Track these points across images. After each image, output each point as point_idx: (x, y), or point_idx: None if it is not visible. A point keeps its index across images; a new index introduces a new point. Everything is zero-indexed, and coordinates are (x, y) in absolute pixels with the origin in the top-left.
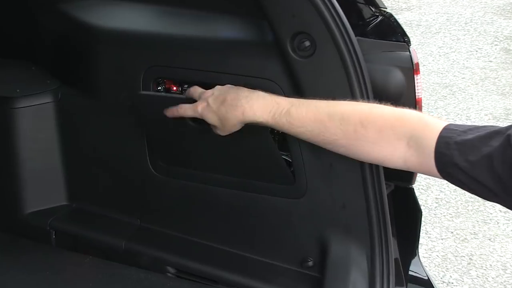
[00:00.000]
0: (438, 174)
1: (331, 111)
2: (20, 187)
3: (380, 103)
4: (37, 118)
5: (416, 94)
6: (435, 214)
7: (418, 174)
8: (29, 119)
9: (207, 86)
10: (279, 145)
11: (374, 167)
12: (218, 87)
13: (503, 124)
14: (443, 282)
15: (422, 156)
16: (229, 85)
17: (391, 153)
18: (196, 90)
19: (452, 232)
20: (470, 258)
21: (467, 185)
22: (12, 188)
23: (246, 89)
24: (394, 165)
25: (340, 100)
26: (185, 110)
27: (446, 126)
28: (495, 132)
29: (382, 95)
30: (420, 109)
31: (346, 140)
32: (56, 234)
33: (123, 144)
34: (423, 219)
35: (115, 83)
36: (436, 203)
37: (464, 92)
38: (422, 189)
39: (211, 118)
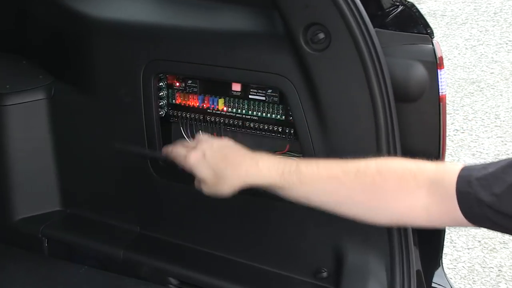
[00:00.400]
0: (465, 220)
1: (345, 166)
2: (9, 191)
3: (401, 102)
4: (28, 116)
5: (440, 91)
6: None
7: None
8: (19, 117)
9: (213, 82)
10: (291, 146)
11: None
12: (217, 140)
13: None
14: None
15: (445, 202)
16: (230, 141)
17: (412, 204)
18: (181, 152)
19: (479, 241)
20: (499, 270)
21: (498, 224)
22: (1, 193)
23: (249, 150)
24: (416, 218)
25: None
26: (176, 154)
27: (463, 166)
28: None
29: (403, 92)
30: (444, 107)
31: (364, 195)
32: (49, 242)
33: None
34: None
35: (113, 79)
36: None
37: (493, 88)
38: None
39: (204, 173)
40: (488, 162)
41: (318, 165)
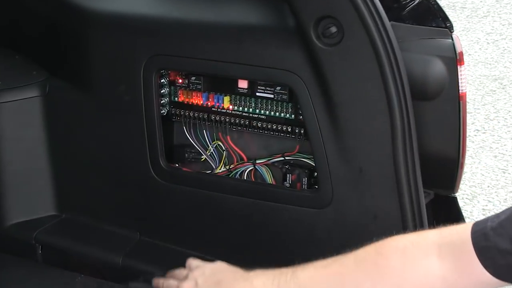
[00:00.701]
0: (490, 278)
1: (342, 259)
2: (1, 195)
3: (418, 100)
4: (21, 115)
5: (460, 88)
6: None
7: (462, 181)
8: (12, 115)
9: (218, 78)
10: (301, 147)
11: (410, 171)
12: (208, 265)
13: None
14: None
15: (463, 263)
16: (222, 264)
17: (424, 275)
18: (172, 284)
19: None
20: None
21: None
22: None
23: (241, 270)
24: None
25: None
26: (168, 286)
27: (474, 223)
28: None
29: (420, 90)
30: (464, 105)
31: (370, 281)
32: (43, 248)
33: (121, 144)
34: None
35: (112, 75)
36: (483, 214)
37: None
38: (467, 198)
39: None
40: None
41: (315, 266)
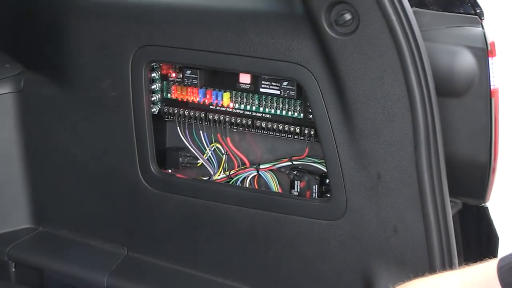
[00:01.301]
0: None
1: None
2: None
3: (444, 97)
4: None
5: (491, 84)
6: None
7: (494, 188)
8: None
9: (217, 72)
10: (311, 150)
11: (435, 178)
12: None
13: None
14: None
15: None
16: None
17: None
18: None
19: None
20: None
21: None
22: None
23: None
24: None
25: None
26: None
27: (499, 259)
28: None
29: (446, 85)
30: (496, 102)
31: None
32: (16, 266)
33: (106, 147)
34: (500, 246)
35: (95, 68)
36: None
37: None
38: (499, 208)
39: None
40: None
41: None
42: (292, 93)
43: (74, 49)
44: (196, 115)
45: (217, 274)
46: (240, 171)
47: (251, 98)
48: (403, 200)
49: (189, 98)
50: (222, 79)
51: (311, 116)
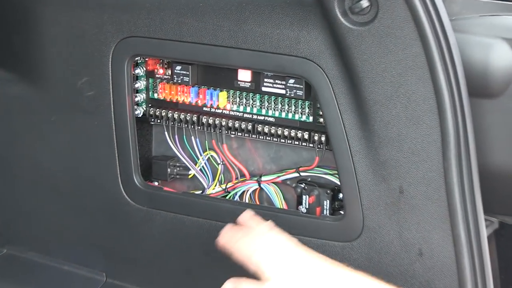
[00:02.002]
0: None
1: None
2: None
3: (477, 97)
4: None
5: None
6: None
7: None
8: None
9: (212, 68)
10: (321, 159)
11: (467, 193)
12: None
13: None
14: None
15: None
16: None
17: None
18: None
19: None
20: None
21: None
22: None
23: None
24: None
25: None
26: None
27: None
28: None
29: (480, 84)
30: None
31: None
32: None
33: (82, 155)
34: None
35: (70, 64)
36: None
37: None
38: None
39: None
40: None
41: None
42: (300, 92)
43: (45, 42)
44: (187, 118)
45: None
46: (239, 183)
47: (252, 99)
48: (430, 218)
49: (179, 99)
50: (218, 77)
51: (321, 119)
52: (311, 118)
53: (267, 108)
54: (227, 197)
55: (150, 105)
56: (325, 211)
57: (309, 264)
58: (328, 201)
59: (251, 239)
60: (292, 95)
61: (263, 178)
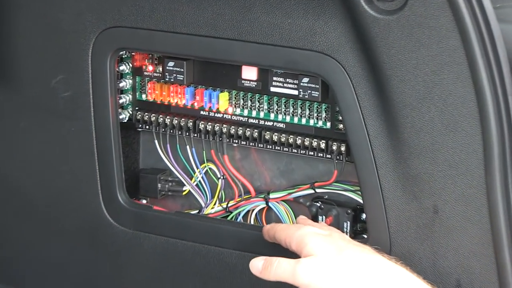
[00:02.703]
0: None
1: None
2: None
3: None
4: None
5: None
6: None
7: None
8: None
9: (210, 64)
10: (341, 173)
11: None
12: None
13: None
14: None
15: None
16: None
17: None
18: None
19: None
20: None
21: None
22: None
23: None
24: None
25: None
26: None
27: None
28: None
29: None
30: None
31: None
32: None
33: (57, 169)
34: None
35: (43, 60)
36: None
37: None
38: None
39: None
40: None
41: None
42: (315, 93)
43: (12, 33)
44: (182, 124)
45: None
46: (243, 202)
47: (258, 101)
48: (470, 244)
49: (171, 101)
50: (218, 75)
51: (341, 125)
52: (328, 124)
53: (277, 112)
54: (229, 218)
55: (137, 108)
56: (345, 234)
57: (355, 249)
58: (348, 222)
59: (299, 226)
60: (306, 96)
61: (271, 196)
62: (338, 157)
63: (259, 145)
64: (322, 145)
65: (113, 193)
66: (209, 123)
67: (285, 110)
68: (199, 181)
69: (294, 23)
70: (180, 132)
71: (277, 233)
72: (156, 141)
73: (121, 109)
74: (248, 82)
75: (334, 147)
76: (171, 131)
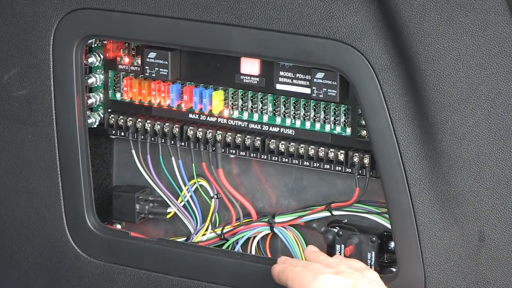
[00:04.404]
0: None
1: None
2: None
3: None
4: None
5: None
6: None
7: None
8: None
9: (201, 55)
10: (364, 191)
11: None
12: None
13: None
14: None
15: None
16: None
17: None
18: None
19: None
20: None
21: None
22: None
23: None
24: None
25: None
26: None
27: None
28: None
29: None
30: None
31: None
32: None
33: (11, 186)
34: None
35: None
36: None
37: None
38: None
39: None
40: None
41: None
42: (332, 92)
43: None
44: (166, 130)
45: None
46: (242, 227)
47: (261, 101)
48: None
49: (153, 101)
50: (211, 69)
51: (364, 132)
52: (348, 131)
53: (284, 115)
54: (224, 247)
55: (110, 110)
56: (369, 267)
57: None
58: (373, 253)
59: (312, 270)
60: (321, 96)
61: (277, 219)
62: (360, 172)
63: (262, 157)
64: (341, 157)
65: (80, 216)
66: (200, 129)
67: (294, 113)
68: (187, 201)
69: (306, 4)
70: (163, 140)
71: (290, 281)
72: (133, 151)
73: (90, 111)
74: (249, 78)
75: (356, 159)
76: (152, 138)
